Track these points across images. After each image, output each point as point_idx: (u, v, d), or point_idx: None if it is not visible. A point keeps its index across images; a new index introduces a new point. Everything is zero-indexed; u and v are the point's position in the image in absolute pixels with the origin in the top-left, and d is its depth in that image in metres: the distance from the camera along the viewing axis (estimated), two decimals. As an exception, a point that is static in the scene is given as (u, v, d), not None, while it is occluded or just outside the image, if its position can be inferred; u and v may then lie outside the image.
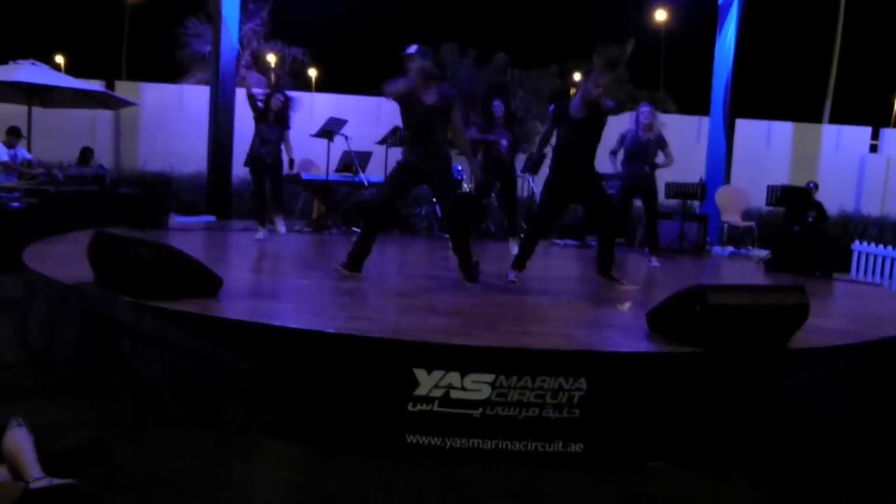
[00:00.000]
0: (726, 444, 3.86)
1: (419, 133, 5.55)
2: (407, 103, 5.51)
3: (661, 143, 7.93)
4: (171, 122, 15.20)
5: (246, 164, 8.16)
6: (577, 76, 25.23)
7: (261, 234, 8.14)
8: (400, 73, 5.53)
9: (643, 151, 7.83)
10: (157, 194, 8.95)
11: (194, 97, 15.18)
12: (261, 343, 3.81)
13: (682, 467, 3.68)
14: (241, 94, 11.77)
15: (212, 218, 10.67)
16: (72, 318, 4.49)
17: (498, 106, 8.23)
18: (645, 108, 7.91)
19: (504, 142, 8.09)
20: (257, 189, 8.27)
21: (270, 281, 5.64)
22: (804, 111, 22.62)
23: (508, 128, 8.23)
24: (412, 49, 5.55)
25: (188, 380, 3.93)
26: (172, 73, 21.11)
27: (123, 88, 15.59)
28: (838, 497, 3.51)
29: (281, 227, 8.36)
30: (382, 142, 9.91)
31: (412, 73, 5.48)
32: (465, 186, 10.17)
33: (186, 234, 8.39)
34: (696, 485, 3.53)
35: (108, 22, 30.54)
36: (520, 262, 6.04)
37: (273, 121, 8.00)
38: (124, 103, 12.87)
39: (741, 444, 3.89)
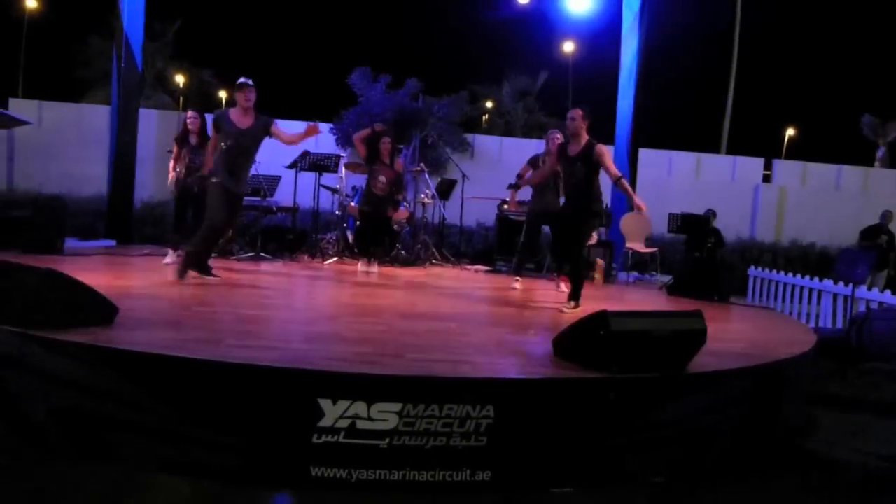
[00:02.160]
0: (629, 467, 3.93)
1: (230, 156, 6.26)
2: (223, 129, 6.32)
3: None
4: (70, 142, 14.55)
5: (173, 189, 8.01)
6: (488, 103, 25.68)
7: (169, 258, 7.91)
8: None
9: (553, 181, 7.96)
10: (50, 217, 8.52)
11: (96, 117, 14.59)
12: (156, 374, 3.65)
13: (587, 491, 3.72)
14: (144, 115, 11.47)
15: (111, 242, 10.25)
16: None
17: (385, 142, 8.38)
18: (556, 135, 7.96)
19: (382, 178, 8.23)
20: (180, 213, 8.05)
21: (171, 308, 5.43)
22: (703, 142, 23.64)
23: (392, 164, 8.47)
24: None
25: (78, 413, 3.71)
26: (73, 91, 20.33)
27: (19, 106, 14.85)
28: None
29: (169, 258, 8.07)
30: (292, 166, 9.78)
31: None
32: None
33: (83, 259, 8.02)
34: (600, 509, 3.57)
35: (5, 38, 29.18)
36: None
37: (193, 143, 7.85)
38: (19, 122, 12.25)
39: (643, 466, 3.96)
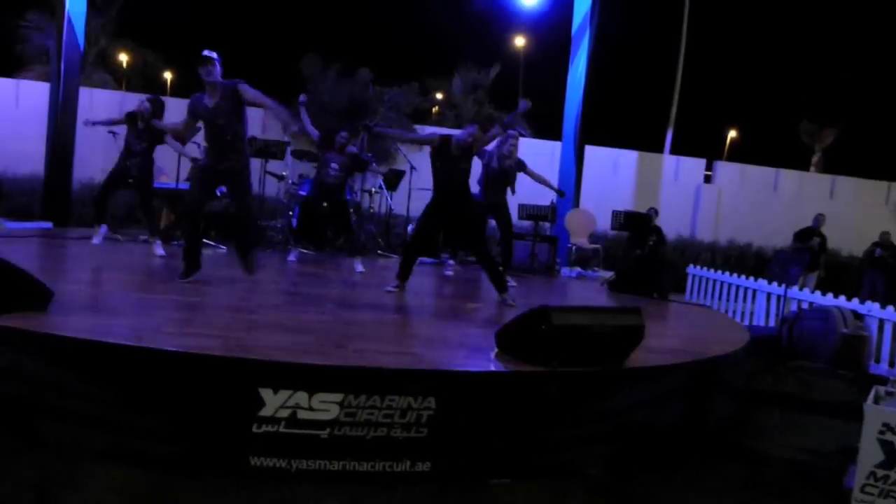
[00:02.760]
0: (567, 459, 4.01)
1: (209, 136, 5.89)
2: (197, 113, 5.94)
3: (521, 166, 8.18)
4: (5, 119, 14.08)
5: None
6: (438, 95, 25.65)
7: (97, 238, 7.64)
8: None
9: (504, 177, 8.02)
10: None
11: (33, 93, 14.14)
12: (91, 361, 3.57)
13: (524, 483, 3.78)
14: (84, 94, 11.15)
15: (48, 224, 9.95)
16: None
17: (342, 136, 8.33)
18: (512, 135, 8.04)
19: (334, 165, 8.17)
20: (104, 193, 7.73)
21: (109, 294, 5.31)
22: (647, 141, 24.05)
23: (341, 153, 8.31)
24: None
25: (9, 400, 3.61)
26: (8, 67, 19.60)
27: (-50, 80, 14.33)
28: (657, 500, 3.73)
29: (158, 249, 7.75)
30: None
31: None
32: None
33: (17, 241, 7.77)
34: (536, 500, 3.64)
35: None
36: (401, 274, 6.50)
37: (140, 127, 7.59)
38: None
39: (581, 458, 4.05)
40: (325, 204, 8.23)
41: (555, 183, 12.33)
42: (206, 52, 5.83)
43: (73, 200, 10.91)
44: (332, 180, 8.17)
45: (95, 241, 7.59)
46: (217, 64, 5.79)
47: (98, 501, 3.17)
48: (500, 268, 8.20)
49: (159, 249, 7.63)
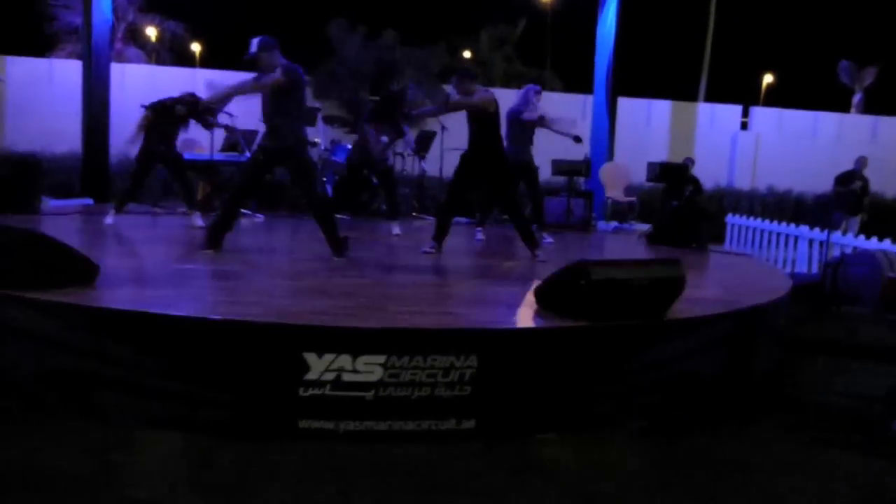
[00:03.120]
0: (611, 412, 4.03)
1: (266, 115, 5.71)
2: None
3: (543, 121, 8.06)
4: (40, 98, 14.26)
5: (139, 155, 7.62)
6: (466, 53, 25.40)
7: (110, 217, 7.57)
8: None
9: (526, 134, 7.94)
10: (25, 176, 8.40)
11: (66, 72, 14.29)
12: (141, 332, 3.66)
13: (570, 437, 3.81)
14: (116, 69, 11.26)
15: (89, 200, 10.13)
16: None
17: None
18: (534, 90, 7.99)
19: (384, 139, 8.12)
20: (139, 175, 7.67)
21: (152, 266, 5.42)
22: (681, 90, 23.59)
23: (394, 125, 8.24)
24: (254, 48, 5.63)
25: (65, 373, 3.73)
26: (41, 46, 19.83)
27: (-15, 62, 14.53)
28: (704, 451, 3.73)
29: (199, 221, 7.76)
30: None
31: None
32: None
33: (61, 218, 7.95)
34: (581, 452, 3.67)
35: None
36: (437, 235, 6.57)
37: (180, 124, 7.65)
38: (-14, 78, 12.00)
39: (625, 411, 4.06)
40: (365, 171, 8.22)
41: (587, 137, 12.22)
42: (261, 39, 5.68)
43: (111, 176, 11.08)
44: (379, 148, 8.11)
45: (108, 220, 7.54)
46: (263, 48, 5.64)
47: (155, 466, 3.27)
48: (534, 225, 8.21)
49: (198, 220, 7.73)
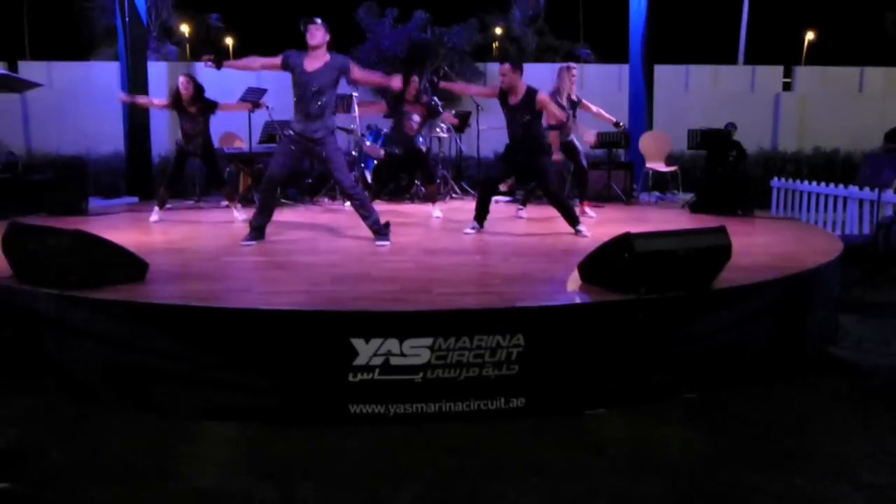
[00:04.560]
0: (661, 384, 3.99)
1: (301, 102, 5.77)
2: (292, 71, 5.77)
3: (579, 104, 7.95)
4: (83, 101, 14.55)
5: (176, 151, 7.75)
6: (497, 30, 25.17)
7: (155, 215, 7.73)
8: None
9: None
10: (73, 178, 8.61)
11: (105, 74, 14.54)
12: (193, 325, 3.75)
13: (620, 411, 3.80)
14: (154, 68, 11.43)
15: (134, 199, 10.35)
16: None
17: (413, 81, 8.17)
18: (566, 68, 7.91)
19: (416, 117, 8.07)
20: (173, 175, 7.76)
21: (199, 260, 5.51)
22: (720, 53, 23.07)
23: (418, 103, 8.19)
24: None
25: (120, 368, 3.84)
26: (80, 50, 20.21)
27: (28, 69, 14.84)
28: (759, 418, 3.68)
29: (239, 213, 7.90)
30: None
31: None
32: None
33: (108, 217, 8.13)
34: (633, 427, 3.65)
35: (7, 1, 28.84)
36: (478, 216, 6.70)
37: (191, 111, 7.54)
38: (30, 85, 12.25)
39: (675, 383, 4.03)
40: (398, 153, 8.23)
41: (625, 108, 12.03)
42: (308, 18, 5.76)
43: (154, 174, 11.28)
44: (413, 132, 8.12)
45: (154, 217, 7.69)
46: (320, 28, 5.72)
47: (212, 454, 3.35)
48: (576, 199, 8.14)
49: (239, 214, 7.84)
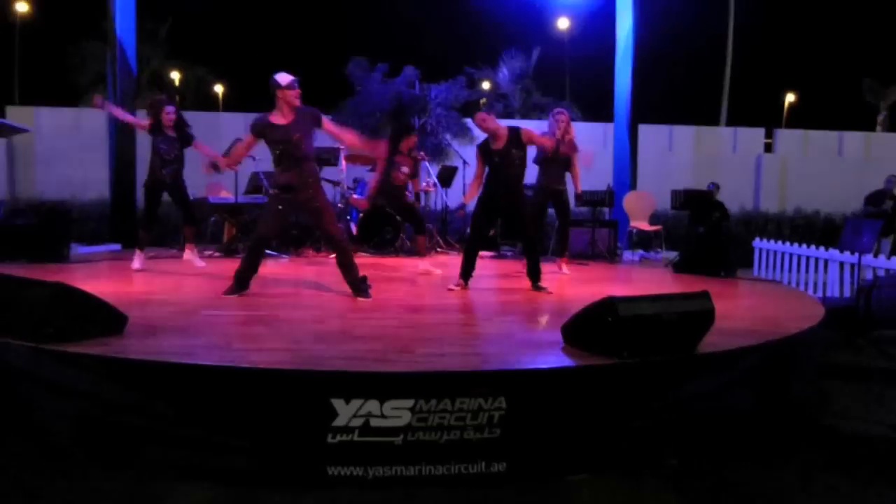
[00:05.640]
0: (644, 450, 3.95)
1: (283, 157, 5.81)
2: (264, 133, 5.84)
3: (573, 149, 7.92)
4: (69, 147, 14.58)
5: (145, 186, 7.71)
6: (485, 85, 25.57)
7: (137, 262, 7.73)
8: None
9: (559, 162, 7.93)
10: (55, 224, 8.55)
11: (93, 121, 14.60)
12: (169, 382, 3.68)
13: (603, 477, 3.74)
14: (142, 116, 11.45)
15: (117, 246, 10.28)
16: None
17: (414, 136, 8.32)
18: (555, 113, 7.95)
19: (405, 168, 8.15)
20: (148, 214, 7.75)
21: (179, 313, 5.45)
22: (702, 114, 23.52)
23: (410, 156, 8.30)
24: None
25: (93, 425, 3.75)
26: (69, 96, 20.30)
27: (16, 114, 14.91)
28: (743, 490, 3.63)
29: (196, 260, 8.07)
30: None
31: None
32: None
33: (90, 265, 8.06)
34: (614, 493, 3.60)
35: (-3, 45, 29.08)
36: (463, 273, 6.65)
37: (171, 136, 7.60)
38: (17, 130, 12.25)
39: (658, 449, 3.98)
40: (384, 203, 8.26)
41: (610, 166, 12.18)
42: (288, 77, 5.80)
43: (138, 221, 11.23)
44: (400, 182, 8.17)
45: (136, 265, 7.68)
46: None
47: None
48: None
49: (195, 258, 8.04)
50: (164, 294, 6.25)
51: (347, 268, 6.03)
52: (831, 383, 5.63)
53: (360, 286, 6.00)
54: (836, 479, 3.86)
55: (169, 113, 7.61)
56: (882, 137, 18.69)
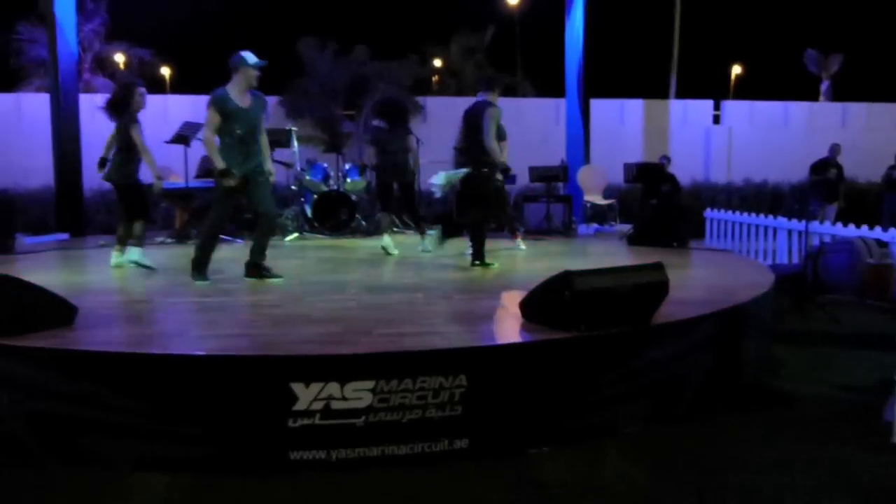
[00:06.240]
0: (603, 420, 4.01)
1: (241, 141, 5.72)
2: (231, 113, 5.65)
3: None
4: (10, 133, 14.09)
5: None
6: (437, 63, 25.43)
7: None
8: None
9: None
10: (-1, 215, 8.29)
11: (34, 106, 14.13)
12: (123, 373, 3.61)
13: (563, 450, 3.79)
14: (85, 101, 11.14)
15: (65, 236, 10.02)
16: None
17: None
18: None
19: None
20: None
21: (132, 302, 5.35)
22: (652, 88, 23.76)
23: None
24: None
25: (47, 419, 3.66)
26: (7, 81, 19.63)
27: (-48, 100, 14.37)
28: (701, 452, 3.72)
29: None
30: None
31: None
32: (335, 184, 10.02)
33: (37, 256, 7.84)
34: (575, 464, 3.65)
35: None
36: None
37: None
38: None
39: (616, 419, 4.05)
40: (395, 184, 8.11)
41: (563, 141, 12.22)
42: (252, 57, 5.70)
43: (86, 209, 10.96)
44: (402, 160, 8.07)
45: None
46: None
47: (146, 510, 3.22)
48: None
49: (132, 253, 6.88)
50: (115, 283, 6.12)
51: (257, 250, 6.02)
52: (782, 348, 5.78)
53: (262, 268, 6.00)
54: (790, 439, 3.97)
55: (143, 95, 6.76)
56: (825, 107, 19.08)
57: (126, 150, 6.65)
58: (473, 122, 6.58)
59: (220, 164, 5.65)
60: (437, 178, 6.75)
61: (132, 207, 6.81)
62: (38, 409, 3.66)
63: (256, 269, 5.97)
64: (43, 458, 3.64)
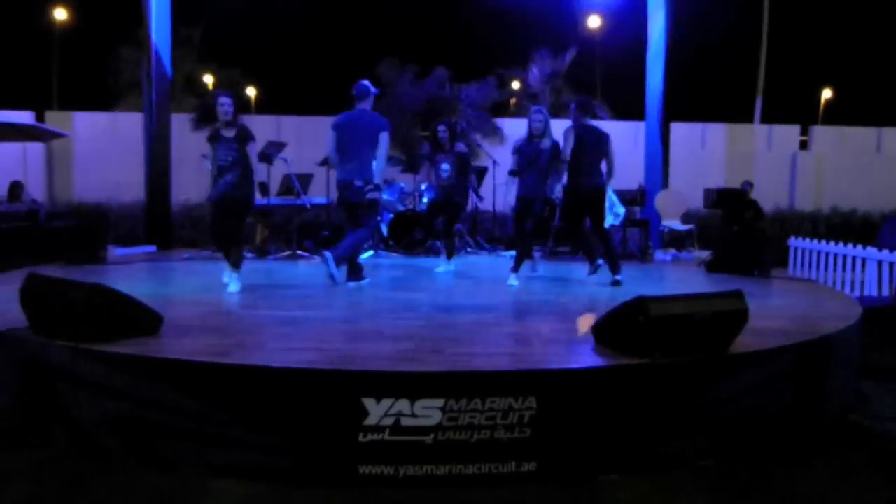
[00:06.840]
0: (676, 451, 3.92)
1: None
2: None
3: (556, 149, 7.40)
4: (106, 151, 14.86)
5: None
6: (515, 85, 25.48)
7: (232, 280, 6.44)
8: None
9: (532, 162, 7.53)
10: (93, 227, 8.73)
11: (129, 124, 14.86)
12: (204, 381, 3.74)
13: (634, 478, 3.72)
14: (176, 120, 11.63)
15: (152, 248, 10.45)
16: (5, 364, 4.33)
17: (442, 130, 8.15)
18: (534, 111, 7.70)
19: (445, 165, 8.02)
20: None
21: (213, 314, 5.53)
22: (736, 112, 23.21)
23: (451, 152, 8.14)
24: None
25: (131, 423, 3.82)
26: (106, 100, 20.63)
27: (55, 118, 15.23)
28: (778, 489, 3.59)
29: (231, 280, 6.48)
30: (323, 163, 9.83)
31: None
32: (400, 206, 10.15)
33: (126, 266, 8.19)
34: (648, 495, 3.58)
35: (36, 50, 29.65)
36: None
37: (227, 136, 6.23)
38: (56, 135, 12.52)
39: (690, 450, 3.95)
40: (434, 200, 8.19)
41: (641, 165, 12.06)
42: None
43: (173, 223, 11.41)
44: (445, 182, 8.08)
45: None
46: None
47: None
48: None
49: (232, 280, 6.44)
50: (199, 294, 6.33)
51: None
52: (870, 384, 5.53)
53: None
54: (871, 479, 3.80)
55: (221, 105, 6.21)
56: (922, 133, 18.28)
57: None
58: (600, 149, 7.38)
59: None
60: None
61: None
62: (122, 413, 3.83)
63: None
64: (127, 461, 3.79)
